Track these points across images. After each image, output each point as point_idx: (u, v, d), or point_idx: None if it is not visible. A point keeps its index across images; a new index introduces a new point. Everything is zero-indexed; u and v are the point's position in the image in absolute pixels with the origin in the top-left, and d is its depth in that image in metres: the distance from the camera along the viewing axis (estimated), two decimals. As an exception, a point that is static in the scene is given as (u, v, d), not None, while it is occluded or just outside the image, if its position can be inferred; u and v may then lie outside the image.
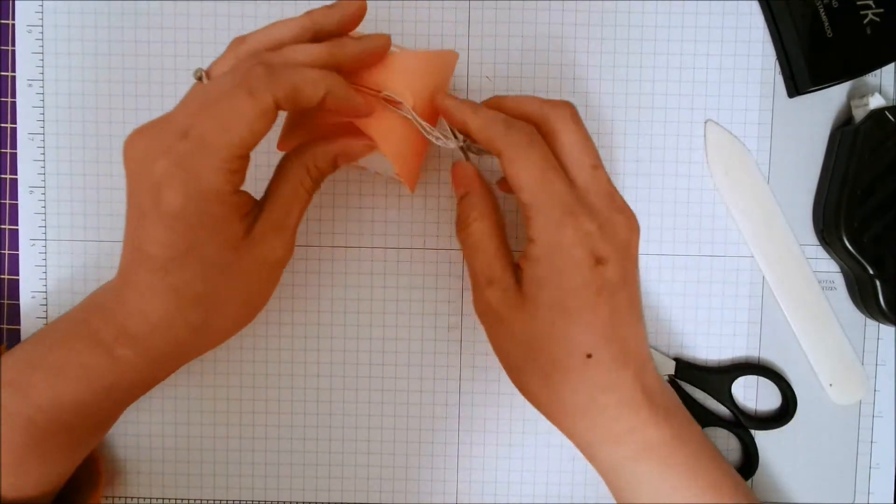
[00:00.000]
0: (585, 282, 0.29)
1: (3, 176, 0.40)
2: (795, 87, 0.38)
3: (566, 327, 0.29)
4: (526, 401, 0.32)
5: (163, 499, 0.40)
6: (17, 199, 0.40)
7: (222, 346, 0.34)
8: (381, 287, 0.40)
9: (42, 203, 0.40)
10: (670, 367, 0.39)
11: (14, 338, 0.40)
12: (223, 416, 0.40)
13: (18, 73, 0.39)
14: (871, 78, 0.39)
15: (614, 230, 0.30)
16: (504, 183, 0.34)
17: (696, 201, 0.39)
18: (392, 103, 0.31)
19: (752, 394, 0.40)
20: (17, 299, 0.40)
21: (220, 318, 0.30)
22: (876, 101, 0.37)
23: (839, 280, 0.39)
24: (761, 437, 0.40)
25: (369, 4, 0.32)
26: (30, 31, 0.39)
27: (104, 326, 0.30)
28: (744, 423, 0.39)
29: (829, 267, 0.39)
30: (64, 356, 0.30)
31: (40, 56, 0.39)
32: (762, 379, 0.40)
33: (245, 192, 0.30)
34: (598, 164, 0.31)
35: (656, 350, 0.40)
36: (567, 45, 0.39)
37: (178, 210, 0.27)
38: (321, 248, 0.40)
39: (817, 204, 0.39)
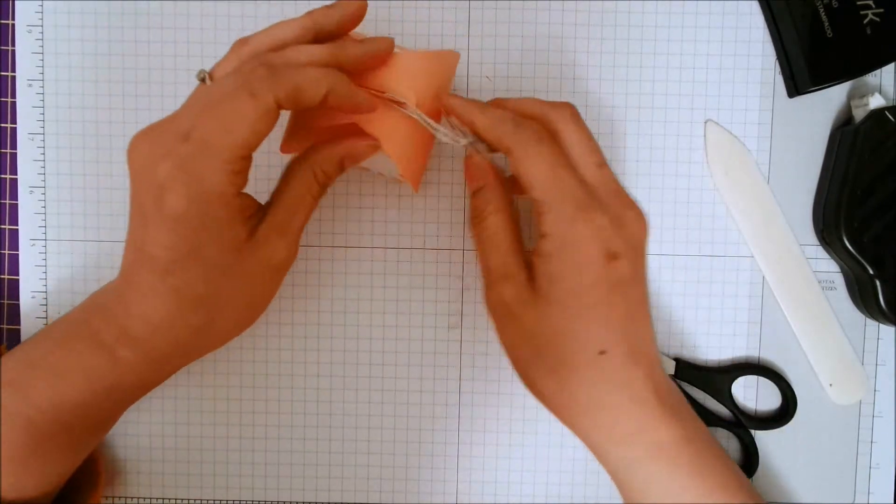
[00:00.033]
0: (599, 277, 0.29)
1: (3, 176, 0.40)
2: (795, 87, 0.38)
3: (579, 323, 0.29)
4: (525, 401, 0.32)
5: (163, 499, 0.40)
6: (17, 199, 0.40)
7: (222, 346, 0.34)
8: (381, 287, 0.40)
9: (42, 203, 0.40)
10: (670, 367, 0.39)
11: (14, 338, 0.40)
12: (223, 416, 0.40)
13: (18, 73, 0.39)
14: (871, 78, 0.39)
15: (626, 226, 0.30)
16: (513, 183, 0.34)
17: (696, 201, 0.39)
18: (395, 104, 0.31)
19: (752, 394, 0.40)
20: (17, 299, 0.40)
21: (222, 321, 0.30)
22: (876, 101, 0.37)
23: (839, 280, 0.39)
24: (761, 437, 0.40)
25: (369, 4, 0.32)
26: (30, 31, 0.39)
27: (105, 327, 0.30)
28: (744, 423, 0.39)
29: (829, 267, 0.39)
30: (64, 357, 0.30)
31: (40, 56, 0.39)
32: (762, 379, 0.40)
33: (248, 195, 0.30)
34: (603, 163, 0.31)
35: (656, 350, 0.40)
36: (567, 45, 0.39)
37: (180, 212, 0.27)
38: (321, 248, 0.40)
39: (817, 204, 0.39)
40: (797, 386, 0.39)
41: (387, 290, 0.40)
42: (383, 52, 0.31)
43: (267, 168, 0.39)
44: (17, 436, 0.30)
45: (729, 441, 0.40)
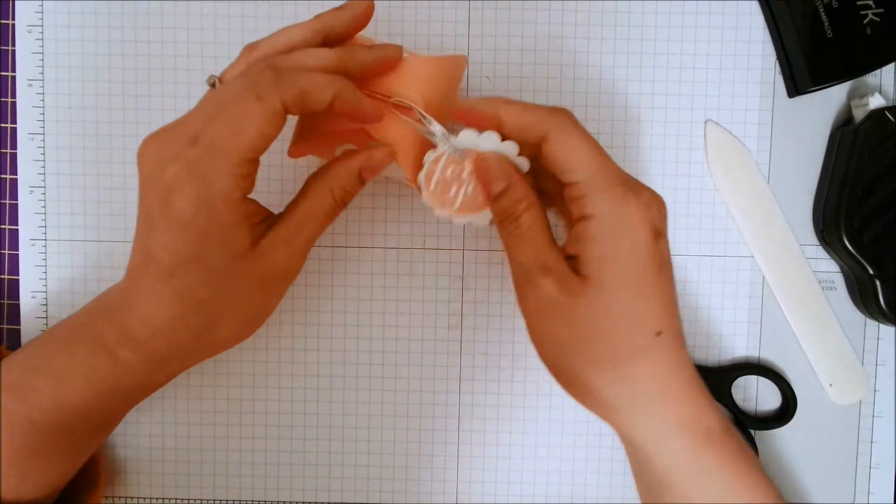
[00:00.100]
0: (652, 256, 0.28)
1: (3, 176, 0.40)
2: (795, 87, 0.38)
3: (636, 304, 0.28)
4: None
5: (163, 499, 0.40)
6: (17, 199, 0.40)
7: (222, 346, 0.34)
8: (381, 287, 0.40)
9: (42, 203, 0.40)
10: (670, 367, 0.39)
11: (14, 338, 0.40)
12: (223, 416, 0.40)
13: (18, 73, 0.39)
14: (871, 78, 0.39)
15: (659, 205, 0.29)
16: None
17: (696, 201, 0.39)
18: (402, 109, 0.31)
19: (752, 394, 0.40)
20: (17, 299, 0.40)
21: (222, 326, 0.30)
22: (876, 101, 0.37)
23: (839, 280, 0.39)
24: (761, 437, 0.40)
25: (370, 4, 0.32)
26: (30, 31, 0.39)
27: (108, 328, 0.30)
28: (744, 423, 0.39)
29: (829, 267, 0.39)
30: (67, 360, 0.30)
31: (40, 56, 0.39)
32: (762, 379, 0.40)
33: (255, 202, 0.30)
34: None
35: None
36: (567, 45, 0.39)
37: (186, 215, 0.27)
38: (321, 248, 0.40)
39: (817, 204, 0.39)
40: (797, 386, 0.39)
41: (387, 290, 0.40)
42: (392, 58, 0.31)
43: (267, 168, 0.39)
44: (18, 437, 0.30)
45: (729, 441, 0.40)
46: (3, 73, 0.40)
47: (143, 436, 0.40)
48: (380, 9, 0.39)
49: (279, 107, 0.27)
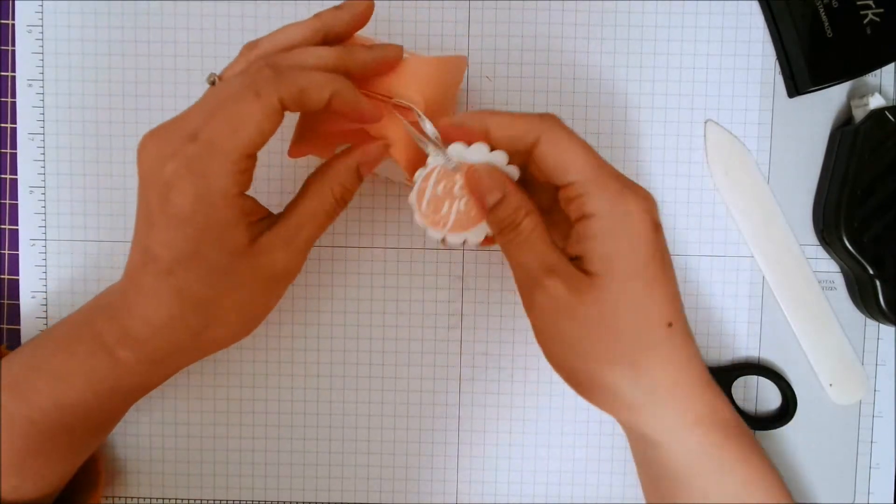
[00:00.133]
0: (656, 248, 0.29)
1: (3, 176, 0.40)
2: (795, 87, 0.38)
3: (646, 297, 0.29)
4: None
5: (163, 499, 0.40)
6: (17, 199, 0.40)
7: (222, 346, 0.34)
8: (381, 287, 0.40)
9: (42, 203, 0.40)
10: (670, 367, 0.39)
11: (14, 338, 0.40)
12: (223, 416, 0.40)
13: (18, 73, 0.39)
14: (871, 78, 0.39)
15: (653, 200, 0.30)
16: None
17: (696, 201, 0.39)
18: (401, 110, 0.31)
19: (752, 394, 0.40)
20: (17, 299, 0.40)
21: (220, 326, 0.30)
22: (876, 101, 0.37)
23: (839, 280, 0.39)
24: (761, 437, 0.40)
25: (369, 4, 0.32)
26: (30, 31, 0.39)
27: (108, 327, 0.30)
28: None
29: (829, 267, 0.39)
30: (66, 360, 0.30)
31: (40, 56, 0.39)
32: (762, 379, 0.40)
33: (254, 199, 0.30)
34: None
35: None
36: (567, 45, 0.39)
37: (185, 212, 0.27)
38: (321, 248, 0.40)
39: (817, 204, 0.39)
40: (797, 386, 0.39)
41: (387, 290, 0.40)
42: (392, 58, 0.31)
43: (266, 168, 0.39)
44: (18, 437, 0.30)
45: (729, 441, 0.40)
46: (3, 73, 0.40)
47: (143, 436, 0.40)
48: (380, 9, 0.39)
49: (277, 104, 0.27)
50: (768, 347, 0.40)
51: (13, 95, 0.40)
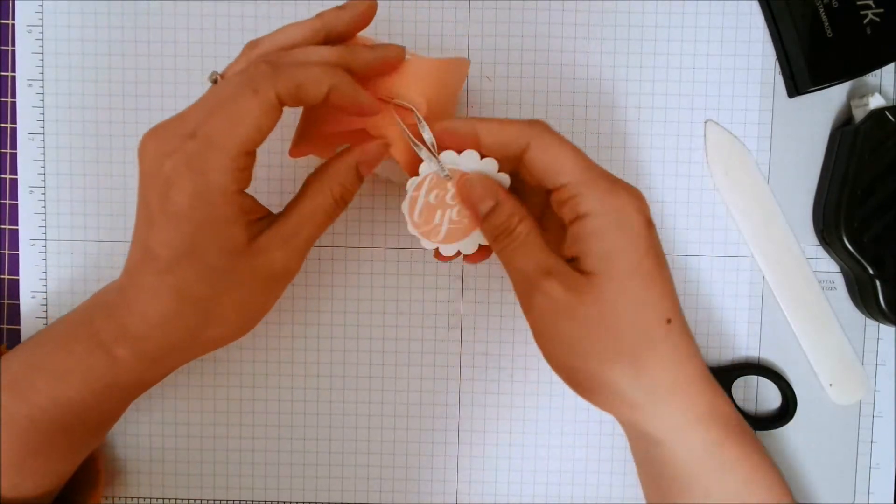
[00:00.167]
0: (650, 244, 0.29)
1: (3, 176, 0.40)
2: (795, 87, 0.38)
3: (644, 293, 0.29)
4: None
5: (163, 499, 0.40)
6: (17, 199, 0.40)
7: (222, 346, 0.34)
8: (381, 287, 0.40)
9: (42, 203, 0.40)
10: (670, 367, 0.39)
11: (14, 338, 0.40)
12: (223, 416, 0.40)
13: (18, 73, 0.39)
14: (871, 78, 0.39)
15: (643, 198, 0.30)
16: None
17: (696, 201, 0.39)
18: (402, 111, 0.31)
19: (752, 394, 0.40)
20: (17, 299, 0.40)
21: (218, 325, 0.30)
22: (876, 101, 0.37)
23: (839, 280, 0.39)
24: (761, 437, 0.39)
25: (369, 4, 0.32)
26: (30, 31, 0.39)
27: (106, 326, 0.30)
28: (744, 423, 0.39)
29: (829, 267, 0.39)
30: (65, 358, 0.30)
31: (40, 56, 0.39)
32: (762, 379, 0.40)
33: (252, 198, 0.30)
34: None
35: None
36: (567, 45, 0.39)
37: (184, 210, 0.27)
38: (321, 248, 0.40)
39: (817, 204, 0.39)
40: (797, 386, 0.39)
41: (387, 290, 0.40)
42: (394, 58, 0.31)
43: (266, 168, 0.39)
44: (17, 436, 0.30)
45: (729, 441, 0.40)
46: (3, 73, 0.40)
47: (143, 436, 0.40)
48: (380, 8, 0.38)
49: (274, 99, 0.27)
50: (768, 347, 0.40)
51: (13, 95, 0.40)
